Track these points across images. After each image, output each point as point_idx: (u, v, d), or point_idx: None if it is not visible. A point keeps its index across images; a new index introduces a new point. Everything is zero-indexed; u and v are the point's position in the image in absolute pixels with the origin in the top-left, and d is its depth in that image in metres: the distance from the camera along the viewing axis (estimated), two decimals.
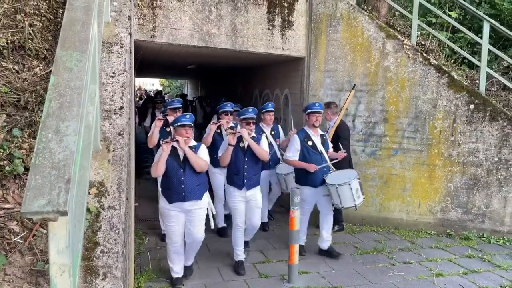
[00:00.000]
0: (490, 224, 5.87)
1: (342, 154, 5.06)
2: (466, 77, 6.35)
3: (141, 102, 16.79)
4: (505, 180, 5.76)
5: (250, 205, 4.64)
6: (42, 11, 3.49)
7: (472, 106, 5.85)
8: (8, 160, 2.43)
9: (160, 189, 4.54)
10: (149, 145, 5.73)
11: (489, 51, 6.05)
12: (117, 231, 2.39)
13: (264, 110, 5.76)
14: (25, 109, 2.84)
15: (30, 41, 3.23)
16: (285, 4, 6.16)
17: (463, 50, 6.52)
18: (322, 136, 5.03)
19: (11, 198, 2.31)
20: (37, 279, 2.03)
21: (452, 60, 6.71)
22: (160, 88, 31.87)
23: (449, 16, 6.91)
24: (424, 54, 6.06)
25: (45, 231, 2.22)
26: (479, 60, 6.05)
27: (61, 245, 1.58)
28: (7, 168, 2.39)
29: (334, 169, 4.89)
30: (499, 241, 5.73)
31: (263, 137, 4.79)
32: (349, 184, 4.61)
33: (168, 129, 5.71)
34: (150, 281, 4.28)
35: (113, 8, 3.79)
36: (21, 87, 2.92)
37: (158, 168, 3.95)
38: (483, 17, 6.02)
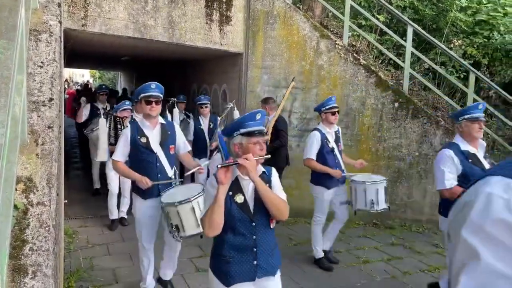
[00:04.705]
0: (411, 214, 6.37)
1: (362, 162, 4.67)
2: (392, 77, 6.80)
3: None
4: (425, 173, 6.28)
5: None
6: None
7: (396, 104, 6.29)
8: None
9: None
10: None
11: (412, 53, 6.53)
12: (47, 228, 2.29)
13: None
14: None
15: None
16: None
17: (389, 51, 6.96)
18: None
19: None
20: None
21: (380, 61, 7.16)
22: (90, 79, 29.55)
23: (378, 19, 7.33)
24: (355, 55, 6.40)
25: None
26: (403, 62, 6.51)
27: None
28: None
29: None
30: (419, 229, 6.24)
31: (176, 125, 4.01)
32: None
33: None
34: (81, 280, 4.12)
35: None
36: None
37: (215, 222, 2.29)
38: (407, 21, 6.48)
